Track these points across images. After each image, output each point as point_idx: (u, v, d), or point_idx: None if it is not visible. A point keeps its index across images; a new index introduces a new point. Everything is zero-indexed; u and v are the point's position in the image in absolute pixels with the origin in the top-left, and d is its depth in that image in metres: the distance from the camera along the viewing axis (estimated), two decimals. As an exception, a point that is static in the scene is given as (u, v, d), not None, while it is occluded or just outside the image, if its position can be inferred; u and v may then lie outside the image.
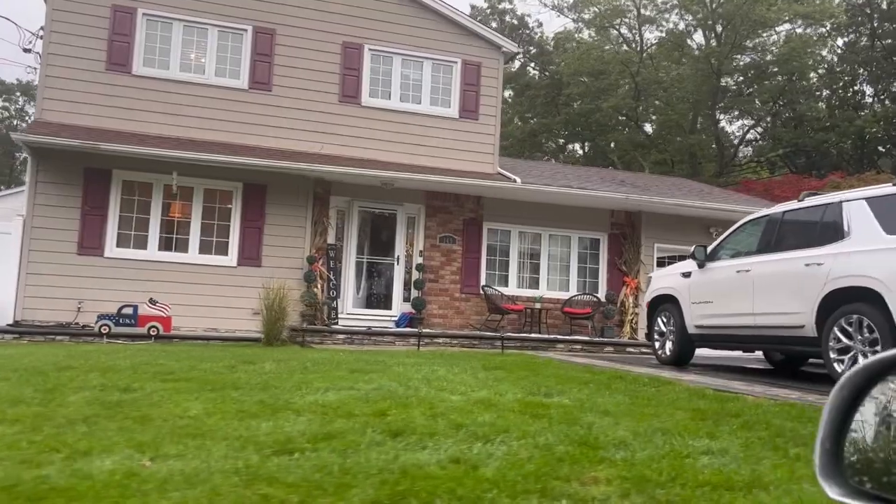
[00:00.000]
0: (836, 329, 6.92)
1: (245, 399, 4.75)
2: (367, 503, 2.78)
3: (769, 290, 7.79)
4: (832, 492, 1.11)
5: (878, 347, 6.49)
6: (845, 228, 7.08)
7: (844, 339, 6.85)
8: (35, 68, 13.31)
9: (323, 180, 13.64)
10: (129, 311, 11.37)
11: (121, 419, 4.04)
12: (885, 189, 7.01)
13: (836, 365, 6.93)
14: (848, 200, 7.20)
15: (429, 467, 3.23)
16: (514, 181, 13.94)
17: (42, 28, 12.96)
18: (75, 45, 12.84)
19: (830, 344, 6.97)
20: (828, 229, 7.31)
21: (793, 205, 8.13)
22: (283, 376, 5.99)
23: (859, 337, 6.70)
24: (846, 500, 1.09)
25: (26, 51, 13.45)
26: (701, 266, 9.01)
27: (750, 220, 8.80)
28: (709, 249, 9.04)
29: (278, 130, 13.66)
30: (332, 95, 14.03)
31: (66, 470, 3.04)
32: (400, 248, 14.38)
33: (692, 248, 9.16)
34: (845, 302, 6.88)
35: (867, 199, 7.02)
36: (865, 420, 1.12)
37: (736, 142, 39.88)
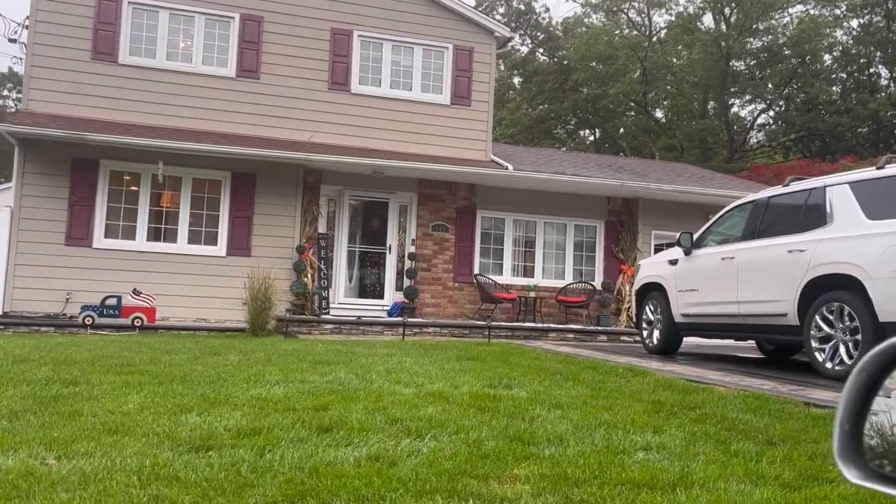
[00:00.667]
0: (817, 317, 6.74)
1: (188, 393, 4.67)
2: (263, 504, 2.68)
3: (753, 277, 7.61)
4: (851, 475, 1.09)
5: (859, 336, 6.30)
6: (828, 214, 6.88)
7: (826, 328, 6.66)
8: (21, 59, 13.23)
9: (313, 169, 13.53)
10: (112, 301, 11.35)
11: (49, 415, 3.96)
12: (868, 173, 6.79)
13: (817, 354, 6.76)
14: (831, 185, 6.99)
15: (343, 465, 3.13)
16: (506, 168, 13.76)
17: (27, 18, 12.91)
18: (61, 34, 12.77)
19: (812, 332, 6.79)
20: (811, 215, 7.10)
21: (778, 190, 7.93)
22: (240, 368, 5.91)
23: (840, 325, 6.52)
24: (865, 483, 1.07)
25: (12, 41, 13.43)
26: (687, 253, 8.84)
27: (737, 206, 8.60)
28: (695, 236, 8.86)
29: (267, 119, 13.55)
30: (321, 83, 13.89)
31: (-38, 468, 2.96)
32: (392, 237, 14.27)
33: (678, 235, 8.97)
34: (827, 289, 6.69)
35: (850, 183, 6.81)
36: (887, 403, 1.10)
37: (748, 126, 39.35)
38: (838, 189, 6.87)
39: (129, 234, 12.76)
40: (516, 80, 41.74)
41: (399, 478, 2.95)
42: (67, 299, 12.10)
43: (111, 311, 11.29)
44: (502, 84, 38.70)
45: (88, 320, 11.05)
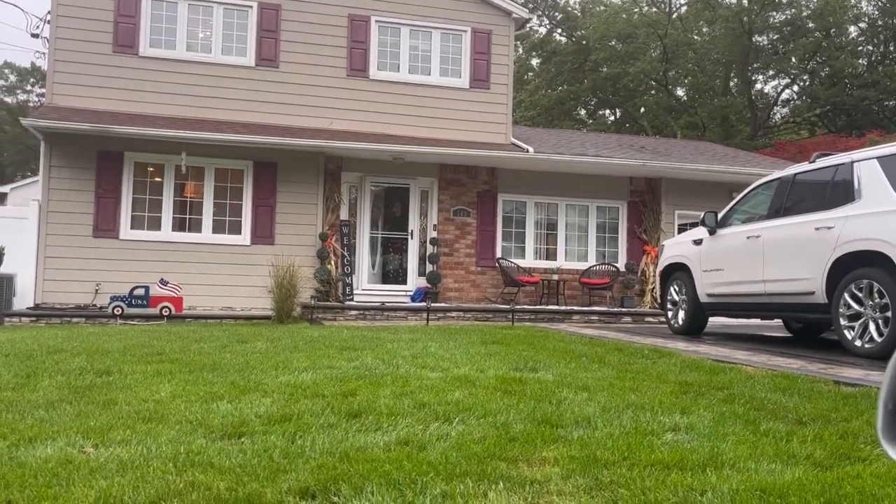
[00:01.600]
0: (846, 295, 6.66)
1: (218, 381, 4.73)
2: (296, 489, 2.71)
3: (779, 256, 7.53)
4: (895, 453, 1.09)
5: (889, 313, 6.23)
6: (856, 190, 6.78)
7: (855, 306, 6.59)
8: (44, 53, 13.38)
9: (333, 156, 13.58)
10: (140, 292, 11.53)
11: (84, 404, 4.04)
12: (897, 147, 6.67)
13: (846, 332, 6.69)
14: (858, 160, 6.88)
15: (373, 450, 3.16)
16: (527, 151, 13.71)
17: (49, 13, 13.03)
18: (82, 28, 12.89)
19: (840, 310, 6.73)
20: (838, 191, 7.00)
21: (804, 166, 7.82)
22: (268, 356, 5.98)
23: (870, 303, 6.45)
24: None
25: (34, 36, 13.57)
26: (712, 233, 8.77)
27: (762, 184, 8.50)
28: (720, 215, 8.78)
29: (287, 107, 13.60)
30: (339, 70, 13.90)
31: (4, 457, 3.04)
32: (414, 223, 14.31)
33: (702, 214, 8.90)
34: (855, 267, 6.61)
35: (879, 158, 6.69)
36: None
37: (771, 102, 38.71)
38: (866, 164, 6.76)
39: (155, 224, 12.91)
40: (535, 61, 41.42)
41: (429, 461, 2.97)
42: (97, 290, 12.29)
43: (139, 302, 11.47)
44: (521, 66, 38.40)
45: (118, 310, 11.23)
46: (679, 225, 14.93)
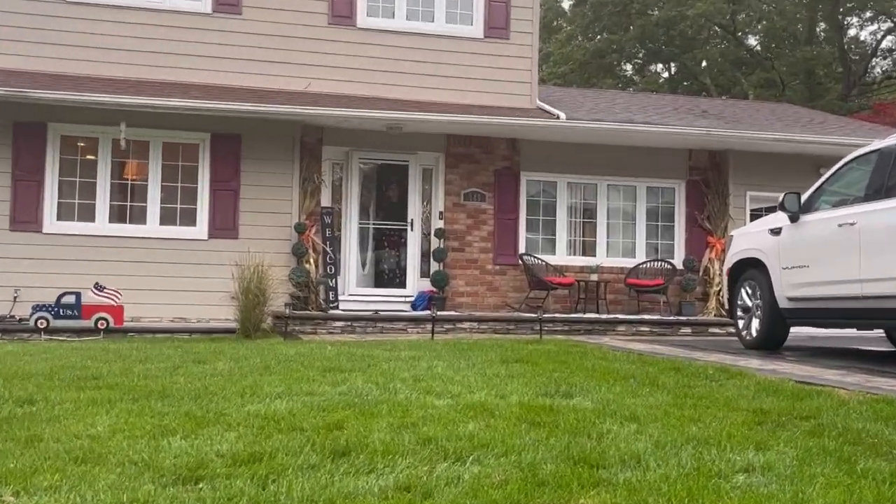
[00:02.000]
0: (966, 298, 6.66)
1: (169, 411, 4.78)
2: (269, 547, 2.75)
3: (880, 248, 7.55)
4: None
5: None
6: (981, 163, 6.77)
7: (979, 312, 6.58)
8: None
9: (312, 126, 13.64)
10: (70, 299, 11.60)
11: (1, 440, 4.08)
12: None
13: (967, 345, 6.69)
14: (981, 126, 6.86)
15: (366, 497, 3.19)
16: (557, 117, 13.74)
17: (-49, -53, 13.12)
18: (-7, -34, 12.98)
19: (962, 318, 6.73)
20: (958, 166, 7.00)
21: (912, 134, 7.82)
22: (232, 379, 6.04)
23: None
24: None
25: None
26: (794, 220, 8.81)
27: (856, 158, 8.52)
28: (804, 198, 8.81)
29: (252, 64, 13.67)
30: (319, 16, 13.97)
31: None
32: (414, 210, 14.37)
33: (781, 197, 8.91)
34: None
35: None
36: None
37: (869, 53, 38.62)
38: None
39: (88, 214, 13.00)
40: (567, 3, 41.44)
41: (436, 512, 3.00)
42: (15, 297, 12.37)
43: (69, 312, 11.54)
44: (549, 9, 38.42)
45: (42, 323, 11.31)
46: (752, 210, 14.99)
